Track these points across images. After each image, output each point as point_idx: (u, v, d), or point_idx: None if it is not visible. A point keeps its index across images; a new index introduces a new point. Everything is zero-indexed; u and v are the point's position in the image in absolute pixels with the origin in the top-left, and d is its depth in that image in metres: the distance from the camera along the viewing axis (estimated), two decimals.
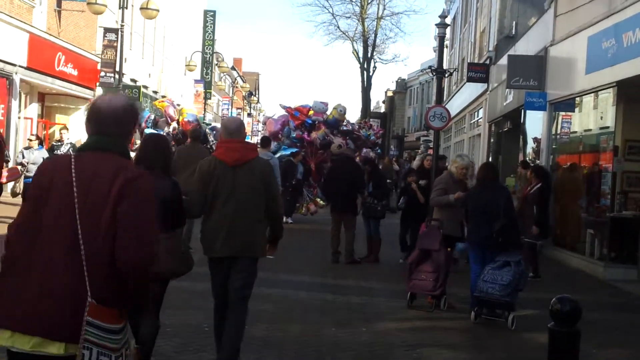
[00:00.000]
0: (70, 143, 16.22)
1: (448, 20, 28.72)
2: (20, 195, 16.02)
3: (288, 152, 19.97)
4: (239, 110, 73.20)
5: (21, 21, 21.99)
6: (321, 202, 20.31)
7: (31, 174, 14.98)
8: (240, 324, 6.48)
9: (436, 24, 23.47)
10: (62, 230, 3.31)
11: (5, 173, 14.08)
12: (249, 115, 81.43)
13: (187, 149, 13.59)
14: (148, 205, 3.43)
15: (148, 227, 3.40)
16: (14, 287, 3.30)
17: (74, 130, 26.38)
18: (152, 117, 21.75)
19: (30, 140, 16.03)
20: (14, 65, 21.83)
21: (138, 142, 15.17)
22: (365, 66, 57.87)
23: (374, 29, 57.63)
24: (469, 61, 33.12)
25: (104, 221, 3.30)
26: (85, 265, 3.27)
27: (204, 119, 22.75)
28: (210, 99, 49.12)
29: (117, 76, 25.57)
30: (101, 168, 3.41)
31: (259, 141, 17.20)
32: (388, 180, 21.22)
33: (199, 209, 6.47)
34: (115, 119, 3.56)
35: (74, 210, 3.31)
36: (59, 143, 16.18)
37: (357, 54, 58.40)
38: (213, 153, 6.87)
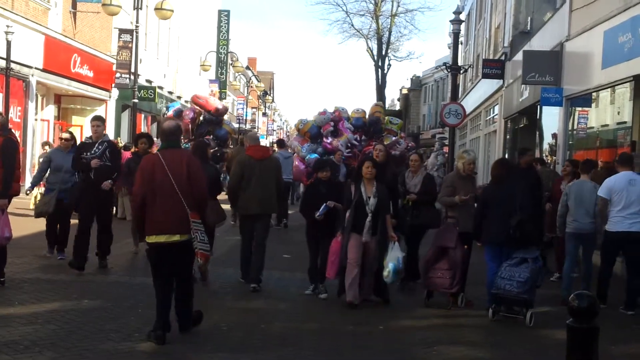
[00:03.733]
0: (107, 141, 11.50)
1: (462, 17, 28.76)
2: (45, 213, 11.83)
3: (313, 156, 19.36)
4: (254, 110, 73.29)
5: (37, 23, 22.15)
6: None
7: (65, 186, 11.80)
8: (262, 255, 10.50)
9: (450, 21, 23.46)
10: (167, 186, 7.34)
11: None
12: (264, 114, 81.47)
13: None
14: (200, 169, 7.75)
15: (202, 179, 7.70)
16: (154, 214, 7.36)
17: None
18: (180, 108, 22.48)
19: (65, 139, 12.48)
20: (30, 67, 22.00)
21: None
22: (380, 64, 57.77)
23: (388, 26, 57.56)
24: (484, 57, 33.00)
25: (185, 178, 7.40)
26: (182, 198, 7.34)
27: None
28: (225, 98, 49.14)
29: (132, 77, 25.64)
30: (175, 156, 7.54)
31: (275, 142, 17.84)
32: None
33: (237, 186, 10.46)
34: (174, 133, 7.86)
35: (169, 177, 7.34)
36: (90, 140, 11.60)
37: (372, 51, 58.33)
38: (246, 152, 11.00)
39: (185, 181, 7.36)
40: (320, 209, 9.84)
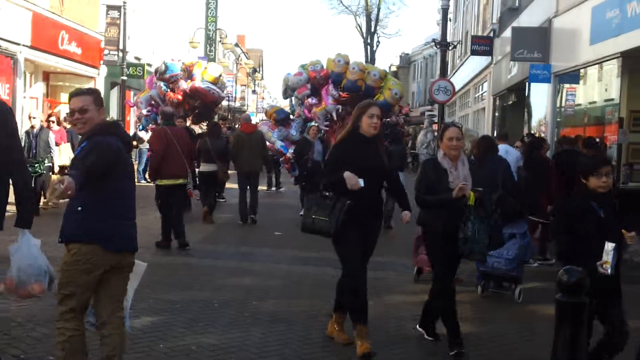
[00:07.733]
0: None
1: None
2: None
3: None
4: (243, 87, 73.00)
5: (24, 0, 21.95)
6: None
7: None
8: (256, 198, 15.10)
9: None
10: (176, 151, 11.62)
11: None
12: (254, 92, 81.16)
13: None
14: (189, 140, 12.57)
15: (193, 147, 12.87)
16: (167, 168, 11.56)
17: None
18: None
19: None
20: (18, 44, 21.82)
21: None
22: (369, 41, 57.67)
23: (377, 2, 57.41)
24: (472, 34, 32.97)
25: (184, 144, 11.87)
26: (184, 158, 11.79)
27: None
28: None
29: (120, 54, 25.52)
30: (175, 131, 12.10)
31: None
32: None
33: (235, 152, 14.92)
34: (173, 116, 13.28)
35: (176, 146, 11.61)
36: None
37: (360, 28, 58.22)
38: (240, 128, 15.86)
39: (184, 146, 11.77)
40: (612, 259, 5.92)
